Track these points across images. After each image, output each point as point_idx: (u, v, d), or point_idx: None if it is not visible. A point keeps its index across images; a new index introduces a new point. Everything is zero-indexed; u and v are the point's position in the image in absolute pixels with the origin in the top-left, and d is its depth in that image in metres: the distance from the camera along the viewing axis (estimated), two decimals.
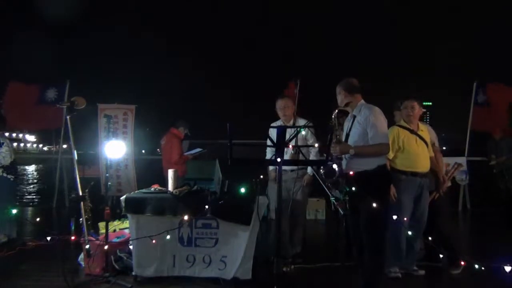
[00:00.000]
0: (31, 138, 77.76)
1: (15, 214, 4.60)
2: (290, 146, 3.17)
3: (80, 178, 3.64)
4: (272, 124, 4.17)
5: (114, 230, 4.20)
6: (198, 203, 3.52)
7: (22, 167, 34.00)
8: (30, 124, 8.52)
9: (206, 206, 3.46)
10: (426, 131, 3.93)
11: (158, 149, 8.10)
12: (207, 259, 3.59)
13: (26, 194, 15.07)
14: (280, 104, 4.18)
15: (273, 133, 2.92)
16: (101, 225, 4.06)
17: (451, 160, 7.54)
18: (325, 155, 3.19)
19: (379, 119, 3.15)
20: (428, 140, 3.87)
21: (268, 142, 3.04)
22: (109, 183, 6.08)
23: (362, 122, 3.15)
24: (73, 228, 3.40)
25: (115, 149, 4.10)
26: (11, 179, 4.94)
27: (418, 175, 3.75)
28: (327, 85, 3.32)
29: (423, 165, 3.79)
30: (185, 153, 6.22)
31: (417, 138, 3.81)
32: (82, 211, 3.81)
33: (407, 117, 3.83)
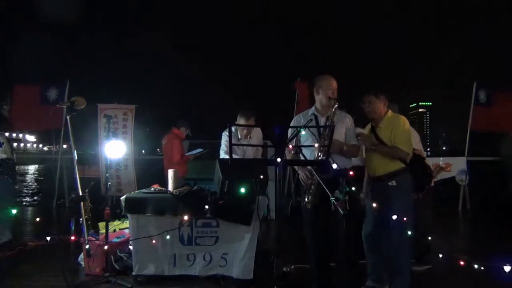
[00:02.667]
0: (31, 138, 77.76)
1: (12, 215, 4.60)
2: (290, 146, 3.14)
3: (80, 178, 3.63)
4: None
5: (114, 230, 4.20)
6: (198, 203, 3.53)
7: (22, 167, 34.00)
8: (32, 125, 8.54)
9: (206, 206, 3.46)
10: (386, 127, 3.22)
11: (158, 149, 8.09)
12: (207, 257, 3.59)
13: (26, 194, 15.06)
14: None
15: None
16: (101, 225, 4.06)
17: (453, 161, 7.55)
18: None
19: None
20: (387, 138, 3.17)
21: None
22: (109, 183, 6.07)
23: (346, 122, 3.27)
24: (73, 228, 3.39)
25: (115, 149, 4.10)
26: (10, 181, 4.94)
27: (372, 179, 3.29)
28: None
29: (375, 168, 3.24)
30: (187, 154, 6.21)
31: (372, 136, 3.28)
32: (82, 211, 3.81)
33: (367, 113, 3.33)
